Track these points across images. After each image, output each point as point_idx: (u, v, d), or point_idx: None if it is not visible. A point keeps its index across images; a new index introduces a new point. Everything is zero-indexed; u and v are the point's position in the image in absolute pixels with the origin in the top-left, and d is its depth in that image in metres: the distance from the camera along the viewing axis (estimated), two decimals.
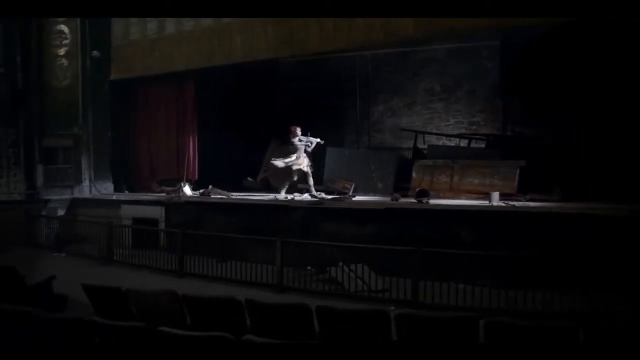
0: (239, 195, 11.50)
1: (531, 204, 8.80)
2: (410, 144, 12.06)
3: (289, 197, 10.58)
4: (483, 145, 11.61)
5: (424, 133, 12.23)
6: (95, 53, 13.03)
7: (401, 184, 10.80)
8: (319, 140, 10.84)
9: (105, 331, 3.50)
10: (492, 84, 12.19)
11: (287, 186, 10.80)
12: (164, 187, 12.45)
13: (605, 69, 8.78)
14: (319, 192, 10.70)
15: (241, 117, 12.89)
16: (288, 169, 10.72)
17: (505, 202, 8.90)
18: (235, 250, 8.86)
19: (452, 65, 12.74)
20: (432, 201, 9.31)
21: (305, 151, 10.77)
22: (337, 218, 9.30)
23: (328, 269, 8.10)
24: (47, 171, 13.09)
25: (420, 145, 11.87)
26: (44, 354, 3.60)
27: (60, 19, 12.89)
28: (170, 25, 12.09)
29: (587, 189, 8.96)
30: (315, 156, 11.06)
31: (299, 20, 10.14)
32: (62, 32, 13.04)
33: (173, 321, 4.12)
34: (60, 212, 12.44)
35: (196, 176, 12.73)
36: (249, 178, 12.75)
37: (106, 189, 13.34)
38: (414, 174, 10.50)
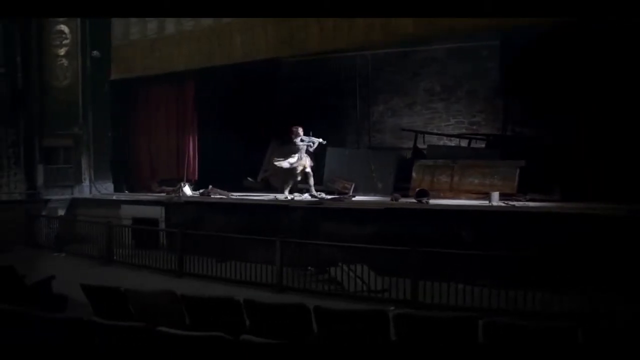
0: (239, 195, 11.50)
1: (531, 204, 8.79)
2: (411, 144, 12.06)
3: (289, 197, 10.58)
4: (483, 145, 11.60)
5: (424, 133, 12.22)
6: (95, 53, 13.04)
7: (401, 184, 10.79)
8: (321, 140, 10.84)
9: (103, 331, 3.50)
10: (493, 84, 12.18)
11: (290, 186, 10.80)
12: (164, 187, 12.45)
13: (605, 69, 8.77)
14: (319, 192, 10.69)
15: (241, 117, 12.89)
16: (291, 169, 10.70)
17: (505, 202, 8.90)
18: (235, 250, 8.86)
19: (452, 65, 12.74)
20: (432, 201, 9.30)
21: (307, 151, 10.76)
22: (337, 218, 9.29)
23: (328, 269, 8.09)
24: (48, 171, 13.11)
25: (421, 145, 11.86)
26: (43, 354, 3.60)
27: (61, 19, 12.91)
28: (170, 25, 12.09)
29: (587, 189, 8.95)
30: (315, 156, 11.05)
31: (299, 20, 10.14)
32: (62, 32, 13.06)
33: (172, 321, 4.12)
34: (61, 212, 12.45)
35: (196, 176, 12.74)
36: (249, 178, 12.75)
37: (106, 189, 13.35)
38: (414, 174, 10.49)
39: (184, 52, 11.93)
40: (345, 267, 7.84)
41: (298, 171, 10.65)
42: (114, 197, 12.63)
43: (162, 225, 11.14)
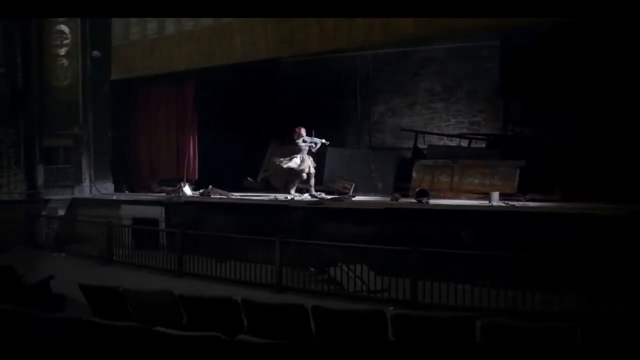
0: (239, 195, 11.50)
1: (531, 204, 8.78)
2: (411, 144, 12.05)
3: (289, 197, 10.57)
4: (483, 145, 11.59)
5: (424, 133, 12.22)
6: (95, 53, 13.05)
7: (401, 184, 10.78)
8: (323, 141, 10.84)
9: (101, 331, 3.50)
10: (493, 84, 12.17)
11: (296, 185, 10.77)
12: (164, 187, 12.45)
13: (605, 69, 8.76)
14: (318, 192, 10.69)
15: (241, 117, 12.89)
16: (297, 169, 10.69)
17: (505, 202, 8.89)
18: (235, 250, 8.86)
19: (452, 65, 12.73)
20: (432, 201, 9.30)
21: (310, 152, 10.76)
22: (337, 218, 9.29)
23: (327, 269, 8.08)
24: (48, 171, 13.11)
25: (421, 145, 11.86)
26: (41, 354, 3.60)
27: (61, 19, 12.90)
28: (170, 25, 12.09)
29: (587, 189, 8.94)
30: (315, 156, 11.05)
31: (299, 20, 10.14)
32: (62, 32, 13.06)
33: (170, 321, 4.12)
34: (61, 212, 12.44)
35: (196, 176, 12.74)
36: (249, 178, 12.76)
37: (106, 189, 13.35)
38: (414, 174, 10.49)
39: (184, 52, 11.93)
40: (344, 267, 7.84)
41: (306, 172, 10.66)
42: (114, 197, 12.63)
43: (162, 225, 11.14)
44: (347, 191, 10.94)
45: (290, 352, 3.06)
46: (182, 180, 12.14)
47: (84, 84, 13.10)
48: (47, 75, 13.06)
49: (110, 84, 13.19)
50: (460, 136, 12.19)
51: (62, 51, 13.07)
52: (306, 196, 10.60)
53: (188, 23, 11.80)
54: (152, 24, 12.35)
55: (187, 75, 12.51)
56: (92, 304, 4.92)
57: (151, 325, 3.40)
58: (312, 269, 8.36)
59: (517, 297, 6.40)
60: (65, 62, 13.08)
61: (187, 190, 11.76)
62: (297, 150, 10.69)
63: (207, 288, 7.78)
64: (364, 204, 9.78)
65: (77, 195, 13.01)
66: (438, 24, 8.85)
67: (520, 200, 9.01)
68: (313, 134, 10.81)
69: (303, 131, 10.71)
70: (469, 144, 11.83)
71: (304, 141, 10.68)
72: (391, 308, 6.35)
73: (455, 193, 9.94)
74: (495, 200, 8.92)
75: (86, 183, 13.20)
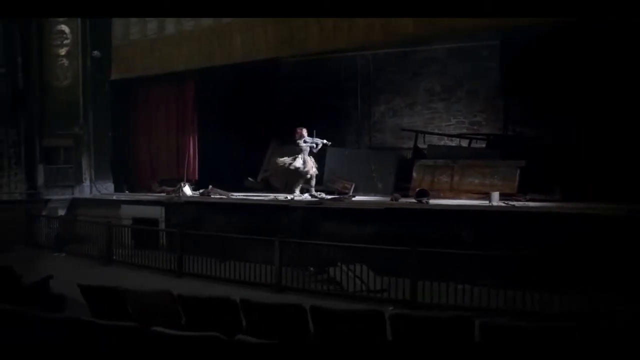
0: (239, 195, 11.49)
1: (531, 204, 8.78)
2: (411, 144, 12.05)
3: (295, 196, 10.57)
4: (483, 145, 11.59)
5: (424, 133, 12.21)
6: (95, 53, 13.05)
7: (402, 184, 10.78)
8: (325, 141, 10.84)
9: (99, 331, 3.50)
10: (493, 84, 12.17)
11: (301, 185, 10.77)
12: (164, 187, 12.45)
13: (605, 69, 8.75)
14: (318, 192, 10.69)
15: (241, 117, 12.89)
16: (301, 170, 10.70)
17: (505, 202, 8.88)
18: (235, 250, 8.85)
19: (452, 65, 12.73)
20: (433, 201, 9.29)
21: (311, 152, 10.76)
22: (337, 218, 9.29)
23: (327, 269, 8.08)
24: (48, 171, 13.12)
25: (421, 145, 11.86)
26: (39, 354, 3.59)
27: (61, 19, 12.92)
28: (170, 25, 12.10)
29: (587, 189, 8.94)
30: (316, 156, 11.05)
31: (299, 20, 10.14)
32: (62, 32, 13.07)
33: (169, 321, 4.11)
34: (61, 212, 12.45)
35: (196, 176, 12.74)
36: (249, 178, 12.76)
37: (107, 189, 13.35)
38: (414, 174, 10.49)
39: (184, 52, 11.93)
40: (344, 267, 7.84)
41: (310, 172, 10.66)
42: (114, 197, 12.63)
43: (162, 225, 11.14)
44: (347, 191, 10.94)
45: (288, 352, 3.05)
46: (182, 180, 12.15)
47: (84, 84, 13.11)
48: (48, 75, 13.08)
49: (110, 84, 13.20)
50: (460, 136, 12.19)
51: (63, 51, 13.08)
52: (306, 196, 10.60)
53: (188, 23, 11.80)
54: (152, 24, 12.35)
55: (187, 75, 12.51)
56: (91, 304, 4.92)
57: (150, 325, 3.40)
58: (311, 269, 8.36)
59: (517, 297, 6.40)
60: (65, 62, 13.09)
61: (187, 190, 11.76)
62: (298, 150, 10.69)
63: (206, 288, 7.77)
64: (364, 204, 9.77)
65: (77, 195, 13.01)
66: (438, 24, 8.85)
67: (520, 200, 9.01)
68: (314, 134, 10.81)
69: (305, 132, 10.71)
70: (469, 144, 11.83)
71: (305, 142, 10.68)
72: (391, 308, 6.36)
73: (456, 193, 9.94)
74: (495, 200, 8.92)
75: (86, 183, 13.21)
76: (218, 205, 10.97)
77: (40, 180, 12.95)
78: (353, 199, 10.47)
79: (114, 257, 10.19)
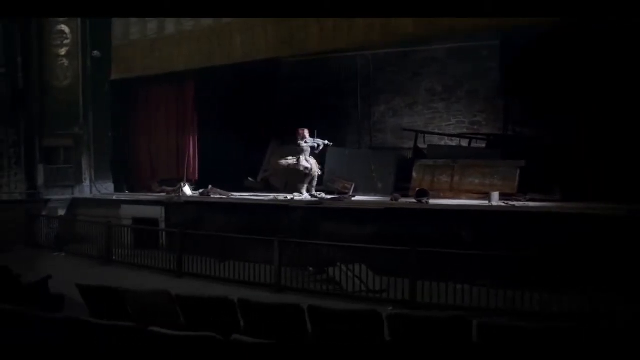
0: (239, 195, 11.49)
1: (531, 204, 8.77)
2: (412, 144, 12.04)
3: (289, 197, 10.57)
4: (484, 145, 11.59)
5: (424, 133, 12.21)
6: (95, 53, 13.05)
7: (402, 184, 10.77)
8: (326, 142, 10.84)
9: (96, 330, 3.49)
10: (493, 84, 12.17)
11: (306, 185, 10.77)
12: (164, 187, 12.45)
13: (605, 69, 8.74)
14: (318, 192, 10.69)
15: (241, 117, 12.88)
16: (306, 170, 10.72)
17: (505, 202, 8.88)
18: (235, 250, 8.85)
19: (452, 65, 12.73)
20: (432, 201, 9.29)
21: (312, 153, 10.77)
22: (337, 218, 9.28)
23: (326, 269, 8.08)
24: (48, 171, 13.12)
25: (421, 145, 11.85)
26: (37, 354, 3.59)
27: (61, 19, 12.92)
28: (170, 25, 12.09)
29: (587, 189, 8.93)
30: (317, 157, 11.04)
31: (299, 20, 10.14)
32: (62, 32, 13.07)
33: (167, 321, 4.11)
34: (61, 212, 12.45)
35: (196, 176, 12.73)
36: (249, 178, 12.77)
37: (107, 189, 13.35)
38: (414, 174, 10.48)
39: (184, 52, 11.92)
40: (344, 267, 7.83)
41: (315, 172, 10.67)
42: (114, 197, 12.63)
43: (162, 225, 11.14)
44: (347, 191, 10.94)
45: (284, 352, 3.05)
46: (182, 180, 12.14)
47: (84, 84, 13.11)
48: (48, 75, 13.08)
49: (110, 84, 13.19)
50: (460, 136, 12.18)
51: (63, 51, 13.08)
52: (306, 196, 10.60)
53: (188, 23, 11.79)
54: (152, 24, 12.35)
55: (187, 75, 12.51)
56: (89, 304, 4.92)
57: (148, 325, 3.39)
58: (311, 268, 8.35)
59: (517, 297, 6.39)
60: (65, 62, 13.09)
61: (187, 190, 11.76)
62: (299, 151, 10.69)
63: (206, 288, 7.78)
64: (364, 204, 9.77)
65: (77, 195, 13.01)
66: (438, 24, 8.84)
67: (520, 200, 9.00)
68: (315, 134, 10.81)
69: (306, 132, 10.72)
70: (469, 143, 11.83)
71: (306, 142, 10.68)
72: (390, 308, 6.36)
73: (456, 193, 9.93)
74: (495, 200, 8.92)
75: (86, 183, 13.20)
76: (218, 205, 10.97)
77: (40, 180, 12.95)
78: (353, 199, 10.46)
79: (114, 257, 10.20)
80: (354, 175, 11.34)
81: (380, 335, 3.71)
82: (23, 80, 12.79)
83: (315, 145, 10.74)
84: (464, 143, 11.94)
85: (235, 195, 11.47)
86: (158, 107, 13.35)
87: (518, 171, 9.53)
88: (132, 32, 12.75)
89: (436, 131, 12.57)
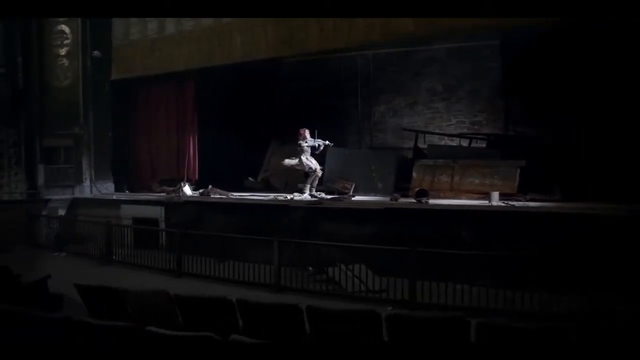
0: (239, 195, 11.49)
1: (531, 204, 8.76)
2: (412, 144, 12.04)
3: (289, 197, 10.57)
4: (484, 145, 11.58)
5: (424, 133, 12.20)
6: (96, 53, 13.06)
7: (402, 184, 10.76)
8: (327, 142, 10.84)
9: (93, 330, 3.49)
10: (494, 84, 12.16)
11: (310, 185, 10.77)
12: (164, 187, 12.45)
13: (605, 69, 8.72)
14: (318, 192, 10.69)
15: (241, 117, 12.88)
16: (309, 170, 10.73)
17: (505, 202, 8.87)
18: (235, 250, 8.85)
19: (453, 65, 12.71)
20: (432, 201, 9.28)
21: (312, 153, 10.77)
22: (337, 218, 9.28)
23: (326, 268, 8.07)
24: (48, 171, 13.14)
25: (422, 145, 11.84)
26: (35, 354, 3.59)
27: (61, 19, 12.93)
28: (170, 25, 12.09)
29: (587, 189, 8.91)
30: (318, 157, 11.04)
31: (299, 20, 10.13)
32: (63, 32, 13.08)
33: (165, 321, 4.11)
34: (61, 212, 12.46)
35: (196, 176, 12.73)
36: (250, 178, 12.76)
37: (107, 189, 13.36)
38: (414, 174, 10.47)
39: (184, 52, 11.93)
40: (343, 267, 7.83)
41: (319, 173, 10.71)
42: (114, 197, 12.63)
43: (162, 225, 11.14)
44: (347, 191, 10.93)
45: (281, 352, 3.05)
46: (182, 180, 12.14)
47: (85, 84, 13.12)
48: (48, 75, 13.09)
49: (110, 84, 13.20)
50: (460, 136, 12.17)
51: (63, 51, 13.09)
52: (306, 196, 10.59)
53: (188, 23, 11.80)
54: (152, 24, 12.35)
55: (187, 75, 12.51)
56: (88, 303, 4.91)
57: (146, 325, 3.39)
58: (310, 268, 8.35)
59: (516, 297, 6.39)
60: (65, 62, 13.10)
61: (187, 190, 11.75)
62: (300, 151, 10.69)
63: (206, 288, 7.78)
64: (364, 204, 9.76)
65: (77, 195, 13.02)
66: (438, 24, 8.84)
67: (520, 200, 8.99)
68: (316, 134, 10.81)
69: (307, 133, 10.71)
70: (470, 143, 11.81)
71: (306, 142, 10.68)
72: (389, 308, 6.36)
73: (456, 193, 9.92)
74: (495, 200, 8.91)
75: (86, 183, 13.21)
76: (218, 205, 10.96)
77: (41, 180, 12.96)
78: (353, 199, 10.45)
79: (114, 257, 10.20)
80: (354, 175, 11.32)
81: (378, 335, 3.71)
82: (23, 80, 12.80)
83: (316, 145, 10.74)
84: (464, 143, 11.93)
85: (235, 195, 11.46)
86: (158, 107, 13.34)
87: (518, 171, 9.51)
88: (132, 32, 12.75)
89: (436, 131, 12.56)
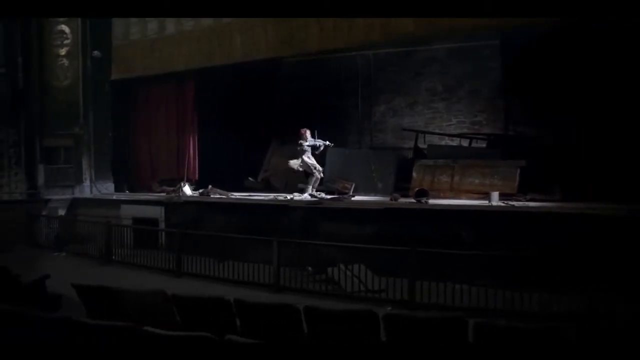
0: (239, 195, 11.49)
1: (531, 204, 8.75)
2: (413, 143, 12.03)
3: (289, 197, 10.57)
4: (484, 145, 11.57)
5: (424, 133, 12.20)
6: (96, 53, 13.07)
7: (402, 184, 10.75)
8: (327, 142, 10.84)
9: (90, 330, 3.48)
10: (494, 84, 12.15)
11: (312, 184, 10.77)
12: (164, 187, 12.45)
13: (605, 69, 8.72)
14: (318, 192, 10.69)
15: (241, 117, 12.88)
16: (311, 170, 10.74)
17: (505, 202, 8.86)
18: (234, 250, 8.84)
19: (453, 65, 12.71)
20: (432, 201, 9.27)
21: (313, 153, 10.77)
22: (337, 218, 9.27)
23: (326, 269, 8.07)
24: (48, 171, 13.14)
25: (422, 145, 11.84)
26: (32, 354, 3.58)
27: (61, 19, 12.94)
28: (170, 25, 12.10)
29: (587, 189, 8.91)
30: (318, 157, 11.05)
31: (299, 20, 10.14)
32: (63, 32, 13.08)
33: (163, 321, 4.10)
34: (61, 212, 12.46)
35: (196, 176, 12.73)
36: (250, 178, 12.76)
37: (107, 189, 13.36)
38: (414, 174, 10.46)
39: (184, 52, 11.93)
40: (343, 267, 7.82)
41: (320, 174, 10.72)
42: (114, 197, 12.63)
43: (162, 225, 11.14)
44: (347, 191, 10.93)
45: (277, 352, 3.04)
46: (182, 180, 12.14)
47: (85, 84, 13.13)
48: (48, 75, 13.10)
49: (110, 84, 13.20)
50: (460, 136, 12.17)
51: (63, 51, 13.10)
52: (306, 196, 10.59)
53: (188, 23, 11.80)
54: (152, 24, 12.35)
55: (187, 75, 12.51)
56: (85, 303, 4.91)
57: (144, 325, 3.38)
58: (309, 268, 8.34)
59: (516, 297, 6.37)
60: (65, 62, 13.11)
61: (187, 190, 11.75)
62: (300, 151, 10.69)
63: (205, 288, 7.78)
64: (364, 204, 9.76)
65: (77, 195, 13.03)
66: (438, 24, 8.84)
67: (520, 200, 8.99)
68: (316, 134, 10.82)
69: (308, 133, 10.73)
70: (470, 143, 11.81)
71: (307, 142, 10.68)
72: (389, 308, 6.35)
73: (456, 193, 9.91)
74: (495, 200, 8.90)
75: (86, 183, 13.22)
76: (218, 205, 10.96)
77: (41, 180, 12.96)
78: (353, 199, 10.45)
79: (114, 257, 10.20)
80: (354, 175, 11.32)
81: (376, 335, 3.70)
82: (23, 80, 12.81)
83: (317, 144, 10.74)
84: (465, 143, 11.92)
85: (235, 195, 11.46)
86: (158, 107, 13.35)
87: (518, 171, 9.51)
88: (132, 32, 12.76)
89: (436, 131, 12.55)
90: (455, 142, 12.18)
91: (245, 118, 12.98)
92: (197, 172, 12.76)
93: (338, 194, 10.76)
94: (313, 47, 10.47)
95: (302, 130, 10.72)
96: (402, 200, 9.70)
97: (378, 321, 3.78)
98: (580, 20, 8.08)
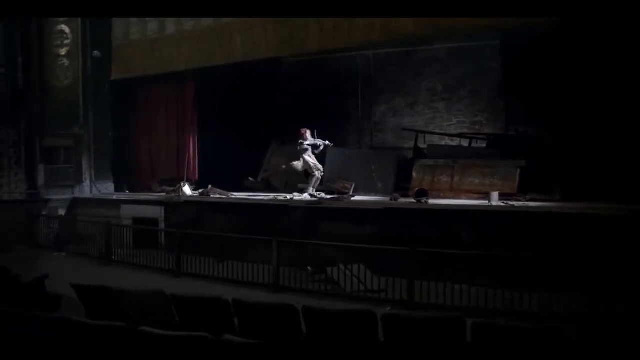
0: (238, 195, 11.49)
1: (531, 204, 8.75)
2: (412, 143, 12.03)
3: (289, 197, 10.57)
4: (484, 145, 11.57)
5: (424, 133, 12.19)
6: (96, 53, 13.07)
7: (402, 184, 10.75)
8: (327, 142, 10.85)
9: (89, 330, 3.48)
10: (494, 84, 12.15)
11: (313, 184, 10.77)
12: (164, 187, 12.45)
13: (605, 69, 8.72)
14: (318, 192, 10.69)
15: (241, 117, 12.88)
16: (312, 170, 10.74)
17: (505, 202, 8.86)
18: (234, 250, 8.84)
19: (453, 65, 12.71)
20: (432, 201, 9.27)
21: (313, 153, 10.77)
22: (337, 218, 9.27)
23: (325, 268, 8.06)
24: (48, 171, 13.15)
25: (422, 145, 11.84)
26: (31, 354, 3.58)
27: (61, 19, 12.94)
28: (170, 25, 12.10)
29: (587, 189, 8.91)
30: (318, 157, 11.04)
31: (299, 20, 10.13)
32: (63, 32, 13.08)
33: (162, 321, 4.10)
34: (61, 212, 12.47)
35: (196, 176, 12.73)
36: (250, 178, 12.76)
37: (107, 189, 13.36)
38: (414, 174, 10.46)
39: (184, 52, 11.93)
40: (342, 267, 7.82)
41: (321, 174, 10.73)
42: (114, 197, 12.64)
43: (162, 225, 11.14)
44: (347, 191, 10.92)
45: (275, 352, 3.04)
46: (182, 180, 12.14)
47: (85, 84, 13.13)
48: (48, 75, 13.10)
49: (110, 84, 13.20)
50: (460, 136, 12.16)
51: (63, 51, 13.10)
52: (306, 196, 10.59)
53: (188, 23, 11.80)
54: (152, 24, 12.35)
55: (187, 75, 12.51)
56: (85, 303, 4.91)
57: (142, 325, 3.38)
58: (309, 268, 8.34)
59: (516, 297, 6.37)
60: (65, 62, 13.11)
61: (187, 190, 11.75)
62: (301, 151, 10.69)
63: (205, 288, 7.77)
64: (364, 204, 9.76)
65: (77, 195, 13.03)
66: (438, 24, 8.83)
67: (520, 200, 8.98)
68: (316, 134, 10.82)
69: (308, 133, 10.73)
70: (470, 143, 11.81)
71: (307, 142, 10.68)
72: (388, 308, 6.35)
73: (456, 193, 9.91)
74: (495, 200, 8.90)
75: (86, 183, 13.22)
76: (218, 205, 10.96)
77: (41, 180, 12.97)
78: (353, 199, 10.45)
79: (114, 257, 10.20)
80: (354, 175, 11.32)
81: (374, 335, 3.70)
82: (23, 80, 12.81)
83: (317, 144, 10.75)
84: (465, 143, 11.92)
85: (235, 195, 11.46)
86: (158, 107, 13.34)
87: (518, 171, 9.50)
88: (132, 32, 12.75)
89: (437, 131, 12.55)
90: (455, 142, 12.17)
91: (245, 118, 12.98)
92: (197, 172, 12.76)
93: (338, 194, 10.76)
94: (313, 47, 10.47)
95: (302, 130, 10.72)
96: (402, 200, 9.69)
97: (377, 321, 3.78)
98: (580, 20, 8.08)
